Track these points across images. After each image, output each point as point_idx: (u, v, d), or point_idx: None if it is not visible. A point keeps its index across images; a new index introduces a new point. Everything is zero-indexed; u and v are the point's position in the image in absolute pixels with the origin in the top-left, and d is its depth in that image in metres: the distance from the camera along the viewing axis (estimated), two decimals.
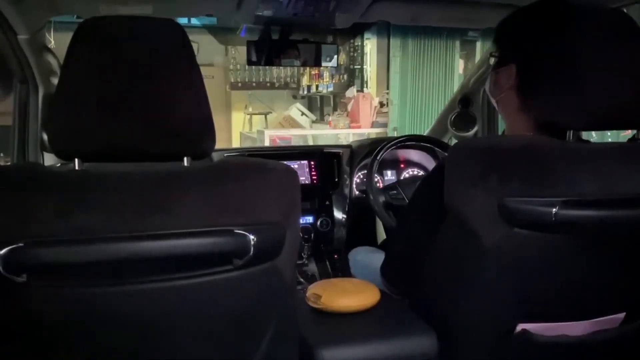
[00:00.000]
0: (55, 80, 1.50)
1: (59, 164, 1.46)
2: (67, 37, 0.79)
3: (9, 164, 1.64)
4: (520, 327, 0.92)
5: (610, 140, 2.32)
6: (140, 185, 0.74)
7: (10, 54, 1.39)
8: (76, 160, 0.77)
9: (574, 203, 0.82)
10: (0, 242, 0.65)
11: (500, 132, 1.90)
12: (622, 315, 0.97)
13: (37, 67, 1.45)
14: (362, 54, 5.94)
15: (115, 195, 0.72)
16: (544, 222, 0.82)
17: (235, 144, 6.30)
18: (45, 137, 1.49)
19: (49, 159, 1.56)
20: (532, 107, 0.97)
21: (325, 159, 1.89)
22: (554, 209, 0.80)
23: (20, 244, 0.66)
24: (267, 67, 6.13)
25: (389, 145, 1.68)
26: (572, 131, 0.90)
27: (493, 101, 1.08)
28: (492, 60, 1.06)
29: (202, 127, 0.79)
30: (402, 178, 1.95)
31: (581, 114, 0.89)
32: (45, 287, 0.70)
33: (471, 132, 1.92)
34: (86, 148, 0.76)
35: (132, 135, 0.76)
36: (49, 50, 1.48)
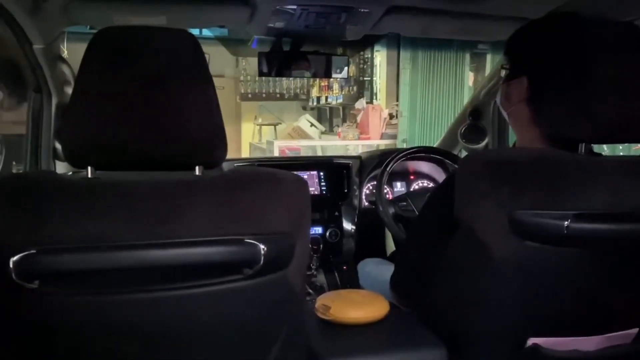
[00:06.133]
0: (69, 90, 1.52)
1: (71, 173, 1.47)
2: (80, 48, 0.80)
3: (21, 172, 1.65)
4: (531, 341, 0.91)
5: (621, 153, 2.30)
6: (152, 194, 0.74)
7: (25, 64, 1.41)
8: (89, 168, 0.77)
9: (585, 216, 0.81)
10: (12, 249, 0.66)
11: (510, 145, 1.89)
12: (635, 330, 0.95)
13: (51, 77, 1.47)
14: (372, 65, 5.97)
15: (127, 203, 0.73)
16: (555, 235, 0.81)
17: (245, 154, 6.33)
18: (58, 145, 1.51)
19: (61, 168, 1.57)
20: (544, 119, 0.97)
21: (335, 170, 1.88)
22: (566, 222, 0.80)
23: (33, 251, 0.66)
24: (277, 78, 6.19)
25: (398, 156, 1.68)
26: (583, 144, 0.90)
27: (504, 113, 1.08)
28: (503, 73, 1.06)
29: (215, 137, 0.80)
30: (411, 190, 1.94)
31: (593, 127, 0.88)
32: (57, 294, 0.71)
33: (481, 145, 1.92)
34: (99, 156, 0.77)
35: (144, 144, 0.76)
36: (64, 60, 1.50)
